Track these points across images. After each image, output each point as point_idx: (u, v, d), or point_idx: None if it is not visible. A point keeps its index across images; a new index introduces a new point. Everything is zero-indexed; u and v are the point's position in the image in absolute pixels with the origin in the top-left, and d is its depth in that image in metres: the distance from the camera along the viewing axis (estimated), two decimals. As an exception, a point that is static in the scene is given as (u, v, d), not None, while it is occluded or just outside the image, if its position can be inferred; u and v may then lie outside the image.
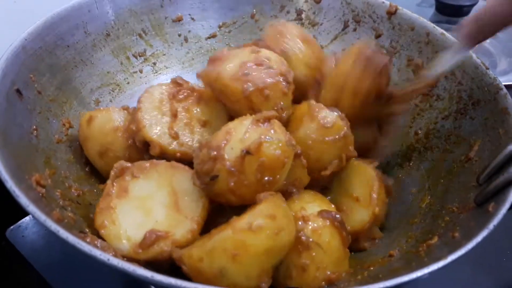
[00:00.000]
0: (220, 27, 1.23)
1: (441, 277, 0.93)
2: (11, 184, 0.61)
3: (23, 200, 0.60)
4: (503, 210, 0.66)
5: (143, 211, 0.72)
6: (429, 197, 0.88)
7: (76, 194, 0.82)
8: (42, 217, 0.58)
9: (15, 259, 0.96)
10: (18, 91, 0.81)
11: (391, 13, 1.10)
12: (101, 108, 0.94)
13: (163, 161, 0.77)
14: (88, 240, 0.66)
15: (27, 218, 1.02)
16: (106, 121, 0.88)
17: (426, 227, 0.81)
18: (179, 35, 1.19)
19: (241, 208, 0.70)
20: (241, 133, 0.69)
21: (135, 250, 0.67)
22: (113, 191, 0.74)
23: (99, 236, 0.70)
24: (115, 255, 0.65)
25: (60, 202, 0.74)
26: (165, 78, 1.16)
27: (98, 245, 0.67)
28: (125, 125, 0.88)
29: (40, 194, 0.70)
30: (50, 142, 0.85)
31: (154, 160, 0.77)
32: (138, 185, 0.75)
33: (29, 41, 0.87)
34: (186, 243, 0.69)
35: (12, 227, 1.00)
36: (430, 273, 0.58)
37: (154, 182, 0.75)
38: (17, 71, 0.82)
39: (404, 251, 0.78)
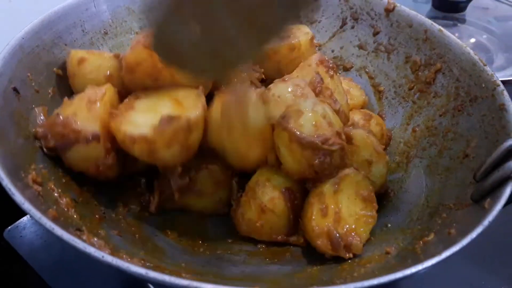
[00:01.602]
0: (218, 25, 1.22)
1: (447, 276, 0.93)
2: (6, 182, 0.61)
3: (18, 197, 0.60)
4: (499, 206, 0.66)
5: (153, 112, 0.78)
6: (426, 194, 0.88)
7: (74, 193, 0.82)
8: (37, 214, 0.58)
9: (13, 259, 0.96)
10: (15, 89, 0.81)
11: (389, 10, 1.10)
12: (93, 52, 0.96)
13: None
14: (84, 237, 0.66)
15: (25, 218, 1.02)
16: (98, 67, 0.91)
17: (423, 224, 0.81)
18: (177, 33, 1.19)
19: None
20: None
21: (155, 131, 0.74)
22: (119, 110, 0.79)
23: None
24: (111, 253, 0.64)
25: (58, 200, 0.74)
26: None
27: (95, 243, 0.67)
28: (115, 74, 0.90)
29: (37, 192, 0.70)
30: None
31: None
32: (143, 102, 0.81)
33: (26, 39, 0.87)
34: (198, 122, 0.79)
35: (10, 227, 1.00)
36: (425, 269, 0.58)
37: (157, 96, 0.82)
38: (14, 70, 0.82)
39: (400, 248, 0.78)
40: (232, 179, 0.89)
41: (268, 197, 0.82)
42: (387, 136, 1.03)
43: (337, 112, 0.86)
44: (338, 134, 0.80)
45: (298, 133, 0.78)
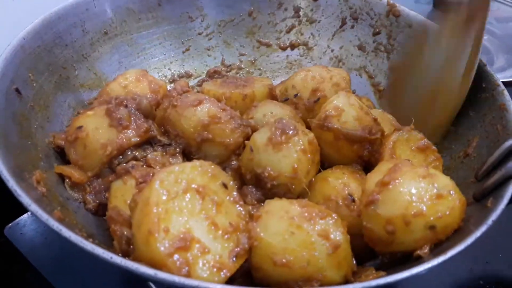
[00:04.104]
0: (218, 24, 1.23)
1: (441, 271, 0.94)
2: (12, 184, 0.61)
3: (25, 199, 0.60)
4: (502, 205, 0.67)
5: None
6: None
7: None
8: (44, 216, 0.58)
9: (14, 256, 0.96)
10: (17, 90, 0.81)
11: (389, 10, 1.11)
12: None
13: None
14: (90, 240, 0.66)
15: (25, 215, 1.01)
16: None
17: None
18: (177, 33, 1.19)
19: None
20: None
21: None
22: None
23: None
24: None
25: (61, 201, 0.74)
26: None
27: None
28: None
29: (41, 193, 0.70)
30: (50, 140, 0.85)
31: None
32: None
33: (27, 40, 0.86)
34: None
35: (10, 224, 0.99)
36: (432, 268, 0.59)
37: None
38: (16, 70, 0.82)
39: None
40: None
41: None
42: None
43: None
44: (375, 120, 0.82)
45: (345, 130, 0.79)
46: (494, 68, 1.32)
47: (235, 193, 0.69)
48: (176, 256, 0.57)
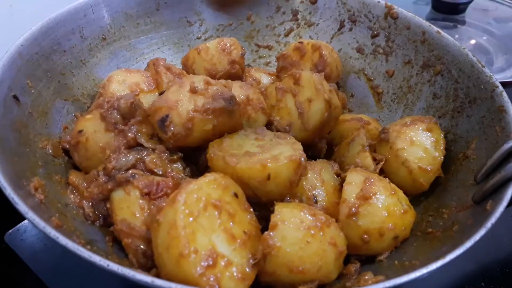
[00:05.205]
0: (216, 29, 1.23)
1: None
2: (9, 192, 0.61)
3: (22, 207, 0.60)
4: (501, 208, 0.67)
5: None
6: (427, 196, 0.88)
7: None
8: (41, 223, 0.58)
9: (14, 262, 0.96)
10: (15, 97, 0.81)
11: (387, 12, 1.10)
12: None
13: None
14: (88, 246, 0.66)
15: (25, 221, 1.01)
16: None
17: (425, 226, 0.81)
18: (176, 38, 1.19)
19: None
20: None
21: None
22: None
23: None
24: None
25: (60, 208, 0.74)
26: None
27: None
28: None
29: (39, 200, 0.70)
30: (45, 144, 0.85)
31: None
32: None
33: (25, 47, 0.87)
34: None
35: (10, 230, 1.00)
36: (430, 272, 0.59)
37: None
38: (14, 77, 0.82)
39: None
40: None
41: None
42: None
43: None
44: None
45: None
46: (493, 69, 1.32)
47: (244, 200, 0.72)
48: (207, 275, 0.60)
